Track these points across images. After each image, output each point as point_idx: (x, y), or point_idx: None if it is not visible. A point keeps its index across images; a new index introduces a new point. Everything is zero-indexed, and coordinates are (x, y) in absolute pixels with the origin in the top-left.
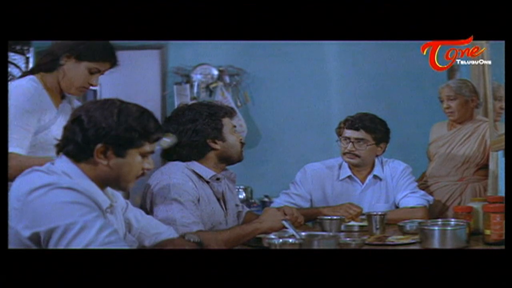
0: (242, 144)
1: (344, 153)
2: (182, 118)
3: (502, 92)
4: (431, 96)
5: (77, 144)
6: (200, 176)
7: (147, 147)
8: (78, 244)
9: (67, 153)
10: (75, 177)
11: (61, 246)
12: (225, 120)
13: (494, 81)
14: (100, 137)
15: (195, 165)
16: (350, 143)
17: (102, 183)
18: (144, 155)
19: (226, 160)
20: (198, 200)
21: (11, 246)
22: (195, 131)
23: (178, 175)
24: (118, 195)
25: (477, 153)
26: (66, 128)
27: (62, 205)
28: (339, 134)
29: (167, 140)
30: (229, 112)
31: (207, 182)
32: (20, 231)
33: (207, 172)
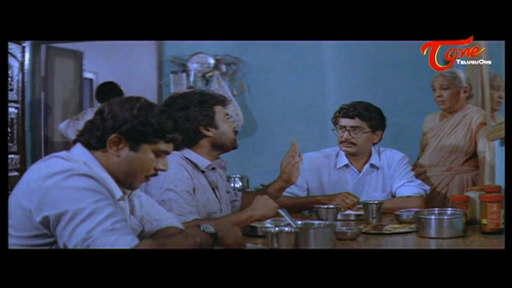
0: (236, 132)
1: (341, 142)
2: (173, 106)
3: (499, 82)
4: (427, 85)
5: (94, 135)
6: (195, 166)
7: (161, 146)
8: (83, 229)
9: (83, 142)
10: (92, 166)
11: (67, 231)
12: (217, 108)
13: (491, 71)
14: (116, 128)
15: (191, 154)
16: (346, 132)
17: (113, 176)
18: (158, 154)
19: (220, 147)
20: (194, 190)
21: (21, 228)
22: (187, 118)
23: (173, 166)
24: None
25: (464, 142)
26: (89, 121)
27: (75, 191)
28: (335, 123)
29: None
30: (222, 101)
31: (202, 172)
32: (32, 211)
33: (203, 162)
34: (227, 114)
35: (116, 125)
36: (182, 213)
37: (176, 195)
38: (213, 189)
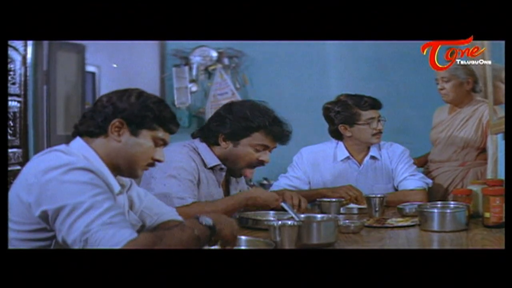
0: (259, 163)
1: (374, 134)
2: (242, 110)
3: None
4: (430, 79)
5: (95, 122)
6: (203, 162)
7: (160, 133)
8: (82, 223)
9: (83, 132)
10: (91, 159)
11: (66, 225)
12: (259, 136)
13: (497, 64)
14: (117, 113)
15: (204, 149)
16: (379, 122)
17: (113, 165)
18: (156, 143)
19: (224, 162)
20: (198, 182)
21: (22, 222)
22: (226, 122)
23: (182, 156)
24: None
25: (475, 137)
26: (88, 110)
27: (74, 185)
28: (356, 119)
29: None
30: (280, 137)
31: (211, 169)
32: (32, 205)
33: (212, 160)
34: (268, 148)
35: (117, 111)
36: (182, 197)
37: (178, 181)
38: (219, 185)
